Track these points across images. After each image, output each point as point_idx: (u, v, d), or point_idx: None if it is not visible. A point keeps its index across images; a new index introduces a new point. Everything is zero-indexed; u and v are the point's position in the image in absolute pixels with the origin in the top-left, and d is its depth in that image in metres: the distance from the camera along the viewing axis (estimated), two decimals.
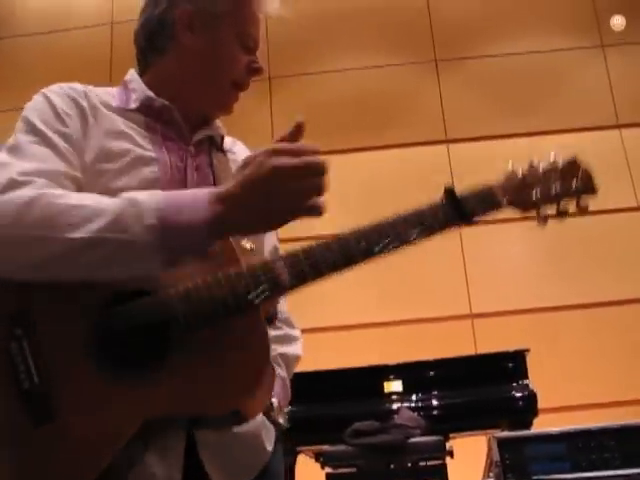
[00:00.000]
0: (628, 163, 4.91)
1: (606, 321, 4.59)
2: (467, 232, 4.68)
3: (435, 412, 3.39)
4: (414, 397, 3.44)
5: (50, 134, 1.20)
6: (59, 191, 1.10)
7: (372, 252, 1.13)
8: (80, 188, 1.17)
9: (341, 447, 3.06)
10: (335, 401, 3.48)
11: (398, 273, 4.54)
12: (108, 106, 1.31)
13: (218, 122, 1.44)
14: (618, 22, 5.11)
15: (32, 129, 1.20)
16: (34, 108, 1.25)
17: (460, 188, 1.21)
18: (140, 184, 1.19)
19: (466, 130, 5.02)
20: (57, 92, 1.28)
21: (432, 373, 3.56)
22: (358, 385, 3.55)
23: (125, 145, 1.25)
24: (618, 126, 4.99)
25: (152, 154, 1.26)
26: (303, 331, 1.44)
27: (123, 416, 1.05)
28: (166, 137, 1.32)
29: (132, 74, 1.40)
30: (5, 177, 1.09)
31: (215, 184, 1.29)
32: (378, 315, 4.66)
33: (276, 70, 5.01)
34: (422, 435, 3.08)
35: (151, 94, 1.33)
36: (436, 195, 1.20)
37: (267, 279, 1.10)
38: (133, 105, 1.33)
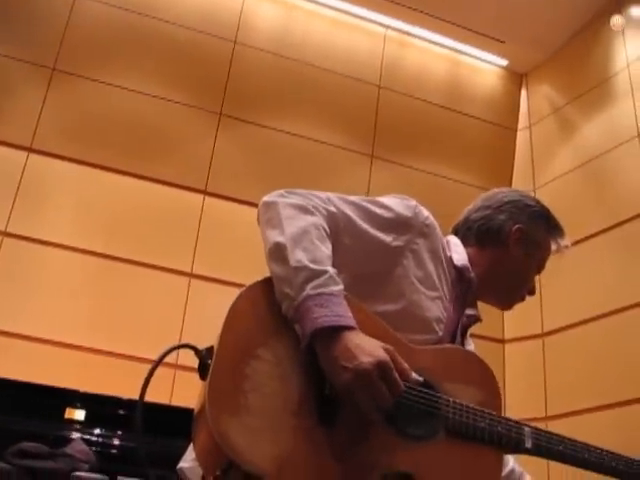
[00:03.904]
0: None
1: None
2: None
3: (111, 451, 3.30)
4: (96, 431, 3.33)
5: (377, 224, 1.51)
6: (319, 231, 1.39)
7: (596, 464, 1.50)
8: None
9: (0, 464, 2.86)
10: (8, 414, 3.26)
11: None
12: (442, 244, 1.62)
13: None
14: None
15: (369, 211, 1.50)
16: (396, 204, 1.54)
17: None
18: (431, 320, 1.52)
19: None
20: (411, 206, 1.57)
21: (121, 412, 3.48)
22: (37, 403, 3.35)
23: (438, 280, 1.56)
24: None
25: (448, 305, 1.58)
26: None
27: (379, 456, 1.30)
28: (455, 300, 1.62)
29: (456, 239, 1.73)
30: (315, 203, 1.41)
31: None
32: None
33: (62, 64, 4.77)
34: (89, 471, 2.98)
35: (469, 265, 1.65)
36: None
37: (517, 435, 1.43)
38: (457, 262, 1.64)
